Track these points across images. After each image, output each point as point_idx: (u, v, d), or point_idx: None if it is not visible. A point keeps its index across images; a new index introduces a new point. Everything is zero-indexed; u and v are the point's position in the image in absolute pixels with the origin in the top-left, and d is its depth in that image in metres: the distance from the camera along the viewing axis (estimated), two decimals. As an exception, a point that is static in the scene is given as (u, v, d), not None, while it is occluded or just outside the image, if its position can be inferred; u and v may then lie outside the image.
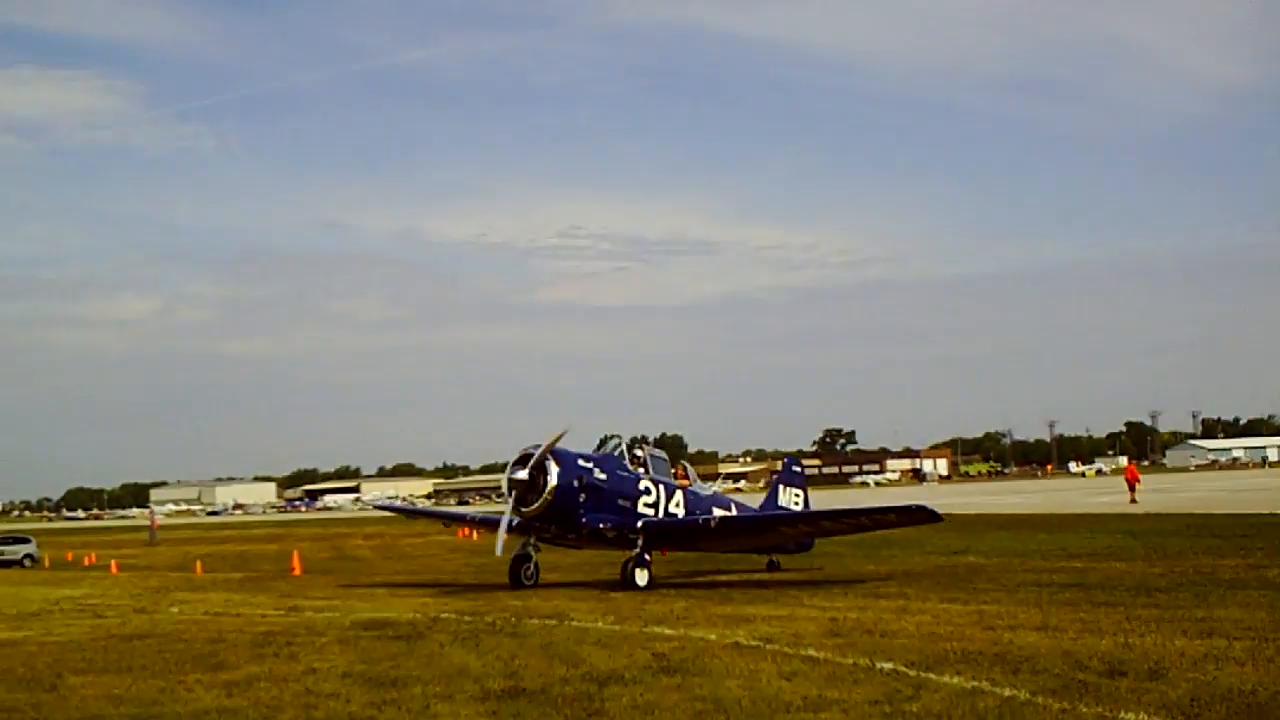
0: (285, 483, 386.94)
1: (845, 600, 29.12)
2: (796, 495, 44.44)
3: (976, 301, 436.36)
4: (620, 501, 35.68)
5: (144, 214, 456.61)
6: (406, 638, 24.33)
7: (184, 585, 33.49)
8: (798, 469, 47.11)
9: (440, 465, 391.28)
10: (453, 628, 25.92)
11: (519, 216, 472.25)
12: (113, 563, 61.76)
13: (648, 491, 36.32)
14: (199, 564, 56.90)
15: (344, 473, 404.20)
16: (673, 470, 38.28)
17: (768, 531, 38.94)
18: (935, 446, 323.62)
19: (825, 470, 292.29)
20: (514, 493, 34.60)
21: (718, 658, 19.77)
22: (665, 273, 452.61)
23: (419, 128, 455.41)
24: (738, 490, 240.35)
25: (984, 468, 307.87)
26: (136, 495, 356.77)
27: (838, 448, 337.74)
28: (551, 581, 37.15)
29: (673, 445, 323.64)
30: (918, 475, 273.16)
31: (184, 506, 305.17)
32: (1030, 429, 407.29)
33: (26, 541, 76.30)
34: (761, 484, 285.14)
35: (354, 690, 17.80)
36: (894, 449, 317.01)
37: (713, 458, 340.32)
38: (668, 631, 23.76)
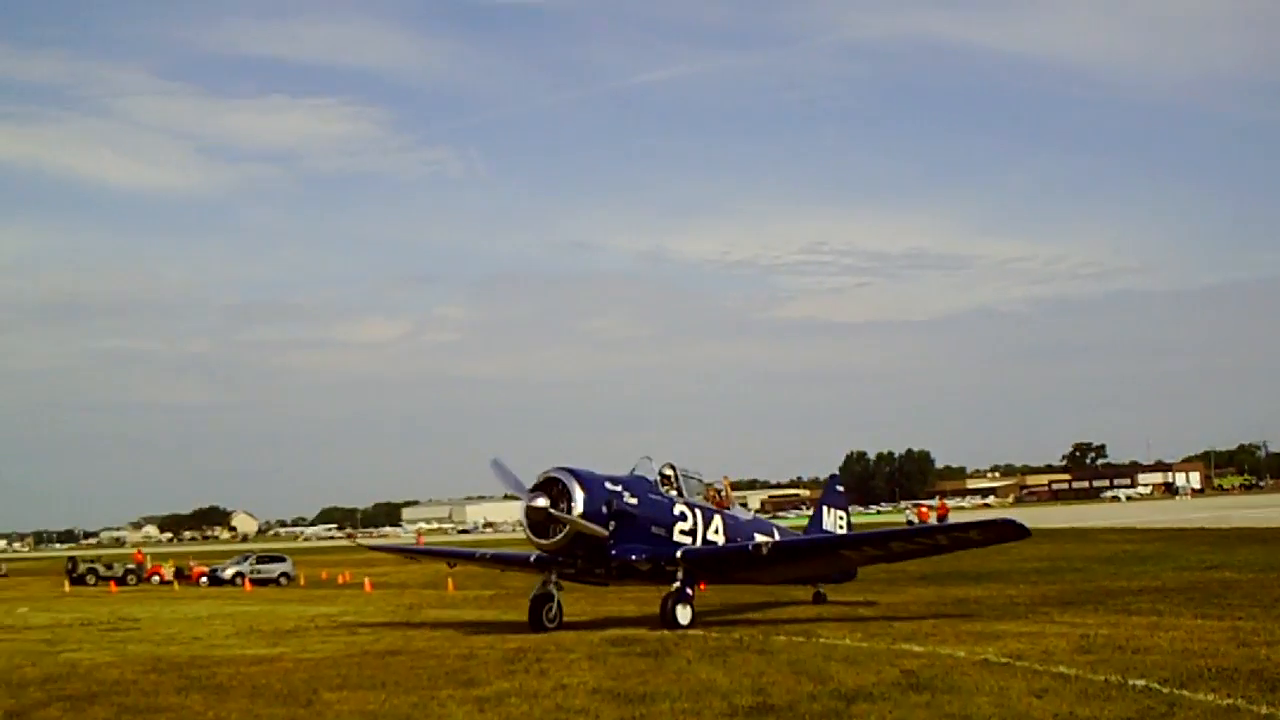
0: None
1: (1096, 617, 28.73)
2: (840, 517, 41.40)
3: (1230, 311, 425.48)
4: (654, 530, 31.61)
5: (393, 238, 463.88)
6: (654, 654, 24.49)
7: (436, 602, 34.01)
8: (840, 489, 43.43)
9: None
10: (700, 644, 26.05)
11: (761, 234, 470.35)
12: (366, 580, 63.07)
13: (684, 517, 32.41)
14: (450, 581, 57.70)
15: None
16: (708, 493, 34.25)
17: (827, 556, 35.10)
18: (1188, 459, 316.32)
19: (1075, 485, 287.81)
20: (533, 523, 30.58)
21: (967, 675, 19.61)
22: (909, 287, 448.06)
23: (662, 147, 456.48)
24: (986, 506, 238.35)
25: (1238, 480, 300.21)
26: (389, 514, 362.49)
27: (1088, 462, 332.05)
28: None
29: (919, 461, 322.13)
30: (1169, 489, 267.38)
31: (435, 525, 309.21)
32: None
33: (282, 560, 78.26)
34: (1011, 499, 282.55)
35: (603, 707, 17.94)
36: (1145, 462, 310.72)
37: (960, 473, 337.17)
38: (916, 649, 23.62)
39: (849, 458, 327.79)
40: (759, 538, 33.77)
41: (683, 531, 32.16)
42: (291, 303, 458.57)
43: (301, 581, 74.03)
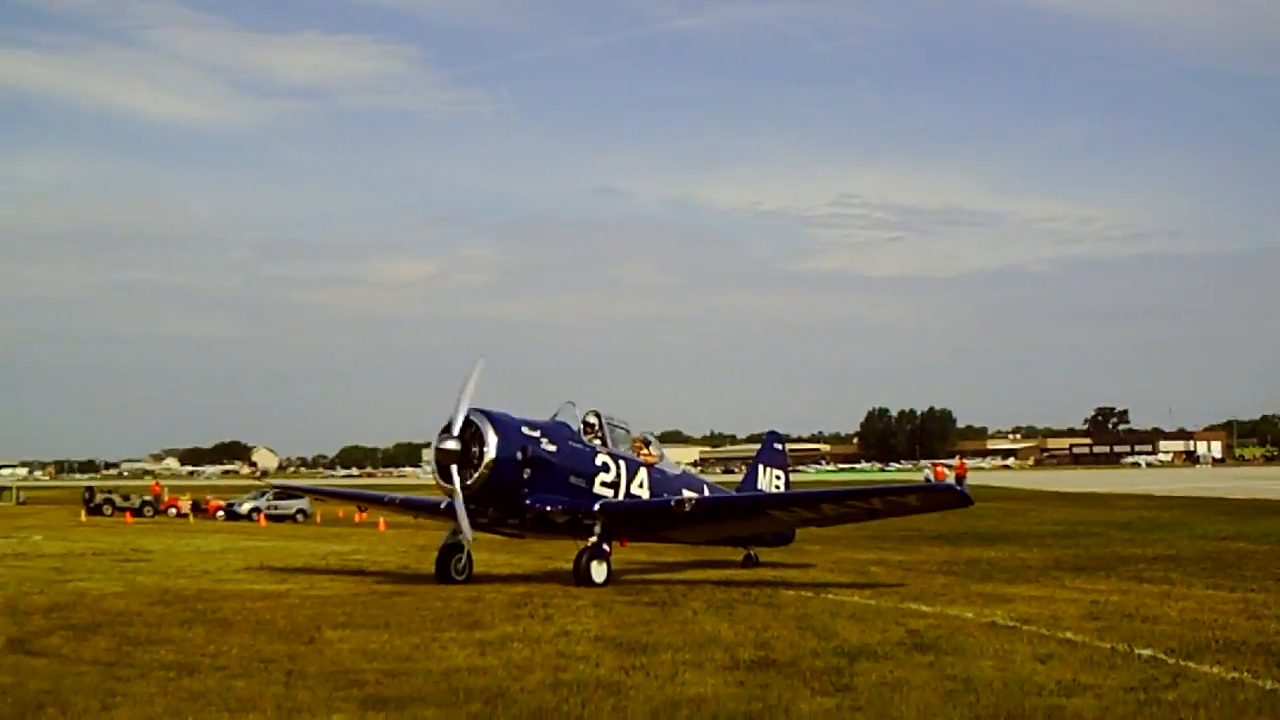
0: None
1: (1107, 583, 28.57)
2: (778, 476, 38.77)
3: (1261, 279, 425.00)
4: (573, 480, 29.67)
5: (422, 178, 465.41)
6: (661, 604, 24.48)
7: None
8: (779, 446, 40.33)
9: (708, 433, 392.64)
10: (708, 595, 26.04)
11: (792, 185, 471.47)
12: (381, 520, 63.13)
13: (606, 468, 30.44)
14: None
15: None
16: (635, 444, 32.29)
17: (754, 517, 32.17)
18: (1210, 428, 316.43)
19: (1096, 449, 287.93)
20: (443, 467, 28.45)
21: (972, 637, 19.51)
22: (939, 243, 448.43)
23: (693, 95, 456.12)
24: (1006, 468, 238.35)
25: (1260, 451, 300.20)
26: (409, 454, 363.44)
27: (1109, 427, 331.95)
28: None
29: (941, 420, 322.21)
30: (1190, 457, 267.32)
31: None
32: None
33: (300, 497, 78.36)
34: (1031, 461, 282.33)
35: (604, 654, 17.88)
36: (1168, 430, 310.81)
37: (981, 433, 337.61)
38: (924, 608, 23.52)
39: (870, 414, 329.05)
40: (686, 494, 31.61)
41: (604, 484, 30.31)
42: (319, 240, 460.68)
43: (318, 519, 74.23)
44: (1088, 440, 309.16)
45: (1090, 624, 21.07)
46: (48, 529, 62.85)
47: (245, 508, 78.26)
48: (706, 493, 33.30)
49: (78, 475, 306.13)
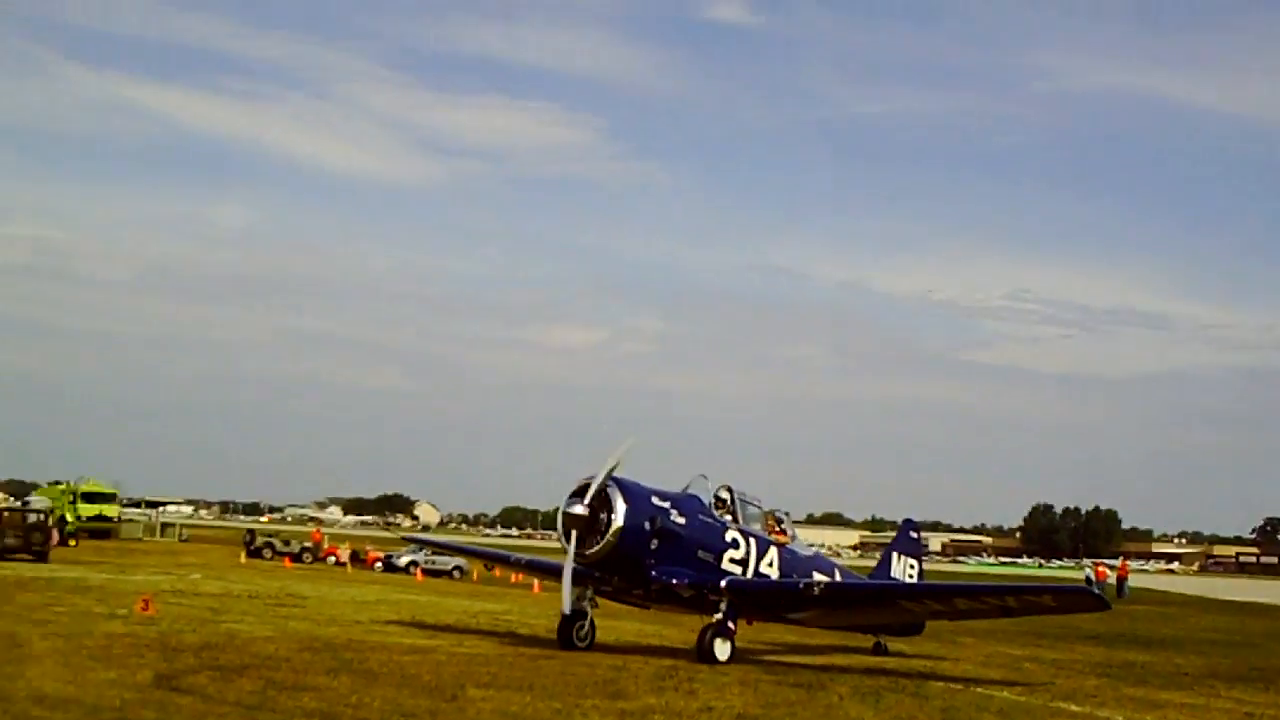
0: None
1: (1265, 696, 27.86)
2: (911, 565, 37.57)
3: None
4: (701, 554, 28.98)
5: (597, 246, 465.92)
6: (807, 686, 24.27)
7: (598, 613, 33.83)
8: (914, 535, 39.28)
9: (869, 518, 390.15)
10: (854, 681, 25.76)
11: (965, 276, 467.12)
12: (535, 582, 63.20)
13: (735, 544, 29.68)
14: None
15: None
16: (767, 522, 31.43)
17: (885, 605, 31.94)
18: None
19: (1263, 559, 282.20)
20: (570, 532, 28.02)
21: (1121, 742, 19.14)
22: (1110, 343, 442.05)
23: (869, 180, 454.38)
24: (1169, 572, 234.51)
25: None
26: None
27: (1278, 538, 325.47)
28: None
29: (1106, 519, 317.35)
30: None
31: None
32: None
33: (449, 554, 78.61)
34: (1195, 567, 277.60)
35: (746, 733, 17.72)
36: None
37: (1146, 536, 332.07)
38: (1073, 708, 23.16)
39: (1035, 509, 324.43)
40: (817, 576, 31.13)
41: (733, 560, 29.57)
42: (492, 301, 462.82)
43: (474, 576, 74.49)
44: (1255, 549, 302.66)
45: (1244, 737, 20.60)
46: (207, 568, 63.71)
47: (403, 560, 78.73)
48: (838, 577, 32.61)
49: (241, 517, 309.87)
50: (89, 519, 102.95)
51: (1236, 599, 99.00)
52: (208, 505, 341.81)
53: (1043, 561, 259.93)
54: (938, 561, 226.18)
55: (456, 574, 76.29)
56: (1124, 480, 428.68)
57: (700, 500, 29.68)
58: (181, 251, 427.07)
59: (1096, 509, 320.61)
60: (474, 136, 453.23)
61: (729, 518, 30.02)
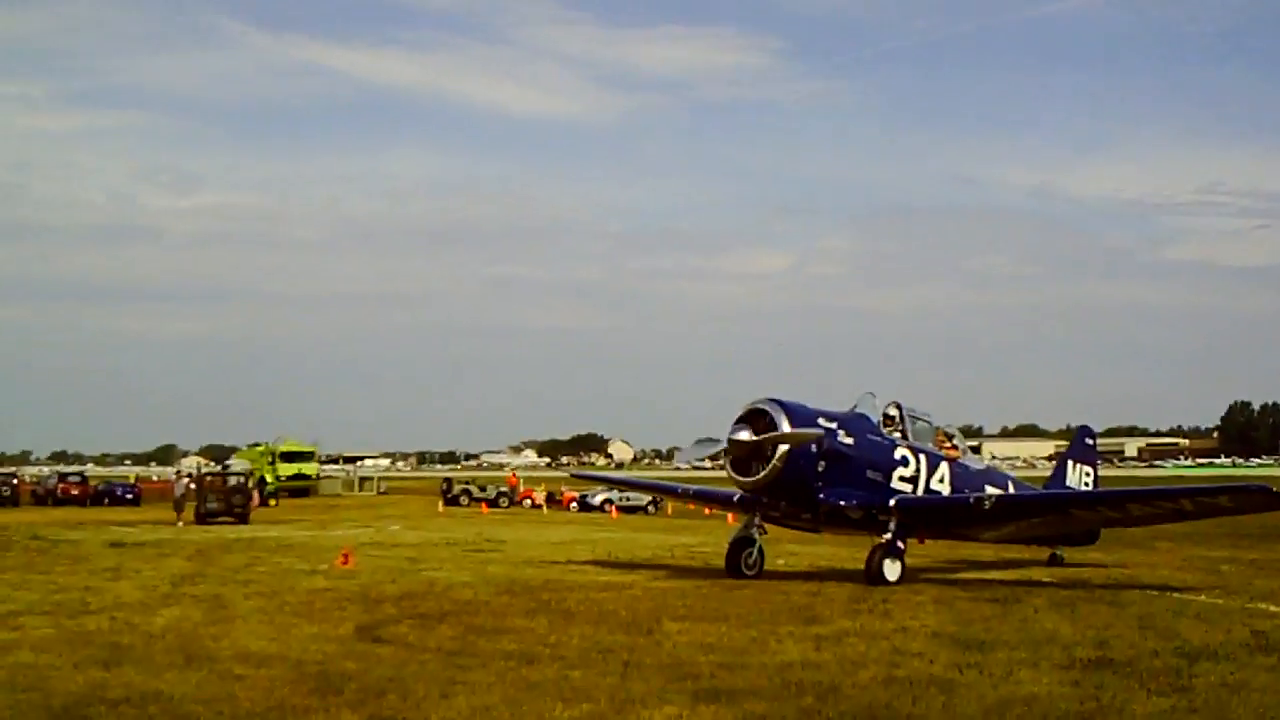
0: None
1: None
2: (1087, 473, 36.92)
3: None
4: (870, 474, 28.69)
5: (781, 169, 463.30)
6: (1003, 601, 24.24)
7: (797, 538, 33.99)
8: (1090, 441, 38.78)
9: (1064, 426, 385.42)
10: (1050, 593, 25.71)
11: (1155, 173, 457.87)
12: (729, 514, 63.40)
13: (905, 462, 29.29)
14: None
15: (965, 431, 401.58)
16: (937, 437, 31.10)
17: (1057, 515, 31.10)
18: None
19: None
20: (734, 459, 28.41)
21: (1324, 639, 18.92)
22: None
23: (1055, 82, 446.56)
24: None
25: None
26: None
27: None
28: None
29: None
30: None
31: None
32: None
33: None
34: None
35: (940, 651, 17.76)
36: None
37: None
38: (1272, 609, 22.89)
39: (1232, 407, 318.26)
40: (991, 491, 30.41)
41: (902, 478, 29.17)
42: (679, 231, 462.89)
43: (669, 510, 74.90)
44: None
45: None
46: (406, 519, 64.80)
47: (598, 499, 79.50)
48: (1010, 489, 32.19)
49: (438, 466, 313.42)
50: (289, 478, 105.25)
51: None
52: (404, 457, 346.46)
53: (1239, 460, 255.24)
54: (1134, 467, 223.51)
55: (651, 509, 76.82)
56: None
57: (869, 419, 29.47)
58: (372, 207, 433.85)
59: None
60: (653, 68, 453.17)
61: (898, 435, 29.80)
